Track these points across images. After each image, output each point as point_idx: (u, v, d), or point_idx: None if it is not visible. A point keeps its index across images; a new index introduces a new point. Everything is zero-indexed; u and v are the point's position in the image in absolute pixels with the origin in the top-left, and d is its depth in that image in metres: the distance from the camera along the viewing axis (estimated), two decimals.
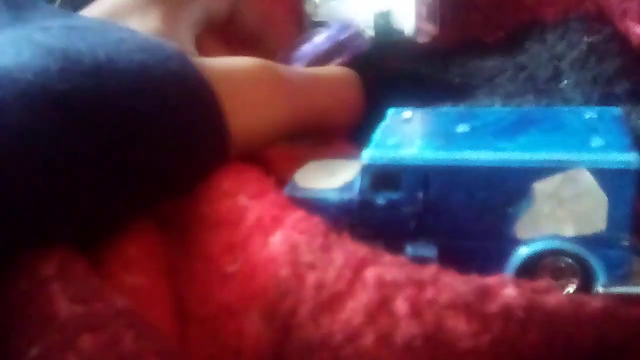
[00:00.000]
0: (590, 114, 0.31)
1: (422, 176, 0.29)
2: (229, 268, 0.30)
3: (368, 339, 0.26)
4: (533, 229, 0.29)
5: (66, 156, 0.28)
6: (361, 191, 0.30)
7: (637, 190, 0.28)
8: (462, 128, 0.31)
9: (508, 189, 0.29)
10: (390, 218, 0.30)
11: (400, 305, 0.26)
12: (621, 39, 0.40)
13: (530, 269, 0.29)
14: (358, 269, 0.27)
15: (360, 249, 0.28)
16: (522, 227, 0.29)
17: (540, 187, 0.28)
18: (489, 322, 0.26)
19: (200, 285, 0.30)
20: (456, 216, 0.29)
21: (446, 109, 0.34)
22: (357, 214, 0.31)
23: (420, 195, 0.30)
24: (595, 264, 0.28)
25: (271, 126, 0.35)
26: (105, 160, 0.29)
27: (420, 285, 0.27)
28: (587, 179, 0.28)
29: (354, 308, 0.27)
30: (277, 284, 0.28)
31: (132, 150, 0.30)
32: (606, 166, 0.27)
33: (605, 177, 0.28)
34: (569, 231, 0.28)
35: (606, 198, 0.28)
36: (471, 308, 0.26)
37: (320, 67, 0.41)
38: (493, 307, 0.26)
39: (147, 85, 0.31)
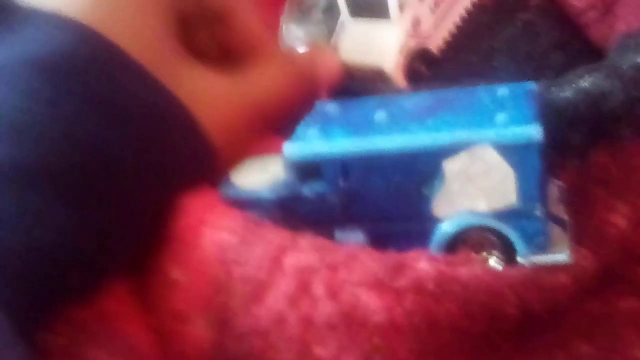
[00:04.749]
0: (503, 90, 0.32)
1: (340, 165, 0.31)
2: (174, 274, 0.31)
3: (291, 322, 0.28)
4: (449, 207, 0.30)
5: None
6: (287, 185, 0.32)
7: (543, 160, 0.29)
8: (379, 115, 0.32)
9: (420, 170, 0.30)
10: (318, 208, 0.31)
11: (317, 288, 0.28)
12: (557, 11, 0.40)
13: (452, 245, 0.30)
14: (277, 257, 0.29)
15: (277, 237, 0.29)
16: (439, 206, 0.30)
17: (449, 166, 0.29)
18: (400, 295, 0.27)
19: (153, 297, 0.31)
20: (377, 201, 0.31)
21: (368, 98, 0.35)
22: (288, 208, 0.32)
23: (342, 184, 0.31)
24: (512, 235, 0.29)
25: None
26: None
27: (334, 267, 0.28)
28: (493, 155, 0.29)
29: (276, 295, 0.28)
30: (210, 283, 0.30)
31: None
32: (508, 141, 0.28)
33: (509, 151, 0.28)
34: (482, 206, 0.29)
35: (513, 172, 0.29)
36: (383, 283, 0.28)
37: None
38: (403, 281, 0.28)
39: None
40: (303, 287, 0.28)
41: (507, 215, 0.29)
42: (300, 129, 0.32)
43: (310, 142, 0.31)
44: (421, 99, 0.33)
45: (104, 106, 0.31)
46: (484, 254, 0.30)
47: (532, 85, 0.32)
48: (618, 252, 0.31)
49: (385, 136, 0.30)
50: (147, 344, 0.31)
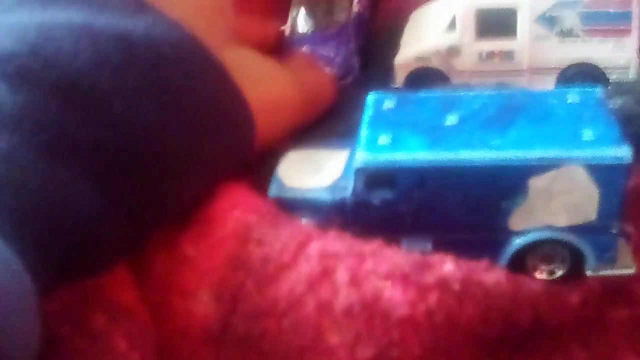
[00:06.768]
0: (572, 97, 0.31)
1: (417, 177, 0.29)
2: (189, 252, 0.30)
3: (309, 306, 0.28)
4: (527, 221, 0.29)
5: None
6: (355, 192, 0.30)
7: (627, 180, 0.29)
8: (450, 120, 0.31)
9: (503, 185, 0.29)
10: (386, 216, 0.30)
11: (341, 275, 0.28)
12: None
13: (521, 257, 0.30)
14: (303, 243, 0.29)
15: (307, 227, 0.30)
16: (516, 220, 0.29)
17: (535, 182, 0.29)
18: (425, 292, 0.27)
19: (158, 273, 0.31)
20: (451, 211, 0.30)
21: (428, 95, 0.33)
22: (351, 214, 0.31)
23: (416, 194, 0.30)
24: (586, 250, 0.29)
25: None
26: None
27: (361, 256, 0.28)
28: (580, 174, 0.28)
29: (297, 278, 0.28)
30: (228, 260, 0.29)
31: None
32: (599, 162, 0.28)
33: (598, 171, 0.28)
34: (562, 221, 0.29)
35: (598, 190, 0.28)
36: (409, 278, 0.27)
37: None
38: (430, 278, 0.27)
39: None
40: (326, 273, 0.28)
41: (584, 230, 0.29)
42: (367, 135, 0.31)
43: (383, 152, 0.30)
44: (487, 100, 0.32)
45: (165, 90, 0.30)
46: (551, 266, 0.30)
47: (598, 93, 0.32)
48: None
49: (467, 149, 0.29)
50: (144, 312, 0.30)
